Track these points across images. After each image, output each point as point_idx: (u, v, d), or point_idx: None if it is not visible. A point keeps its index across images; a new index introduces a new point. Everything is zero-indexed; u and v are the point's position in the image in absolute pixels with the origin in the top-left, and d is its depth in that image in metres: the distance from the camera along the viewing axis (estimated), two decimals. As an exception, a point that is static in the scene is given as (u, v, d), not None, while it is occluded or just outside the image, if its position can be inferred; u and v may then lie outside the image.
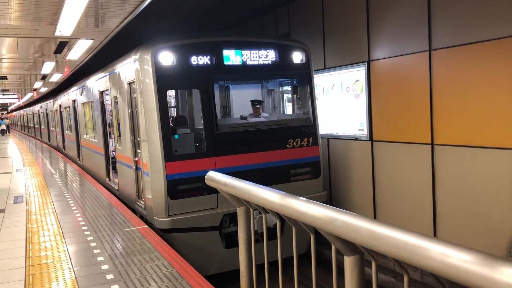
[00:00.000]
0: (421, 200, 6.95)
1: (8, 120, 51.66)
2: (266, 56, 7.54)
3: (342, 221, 2.06)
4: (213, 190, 6.20)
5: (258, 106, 8.01)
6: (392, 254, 1.71)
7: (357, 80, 8.06)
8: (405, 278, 1.84)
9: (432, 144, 6.63)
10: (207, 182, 3.55)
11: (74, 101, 14.96)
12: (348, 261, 2.10)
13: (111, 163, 10.48)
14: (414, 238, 1.61)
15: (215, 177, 3.44)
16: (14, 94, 29.15)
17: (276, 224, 2.88)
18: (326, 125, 8.90)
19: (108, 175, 10.59)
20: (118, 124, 9.03)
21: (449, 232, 6.54)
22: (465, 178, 6.21)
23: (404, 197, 7.30)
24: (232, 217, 7.07)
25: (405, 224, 7.16)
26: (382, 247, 1.74)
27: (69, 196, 8.98)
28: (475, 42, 5.88)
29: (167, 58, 6.83)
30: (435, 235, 6.81)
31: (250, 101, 8.13)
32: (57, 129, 21.11)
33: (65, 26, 7.35)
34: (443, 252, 1.46)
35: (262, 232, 3.12)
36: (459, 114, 6.18)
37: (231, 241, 7.09)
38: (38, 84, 19.55)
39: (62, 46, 9.55)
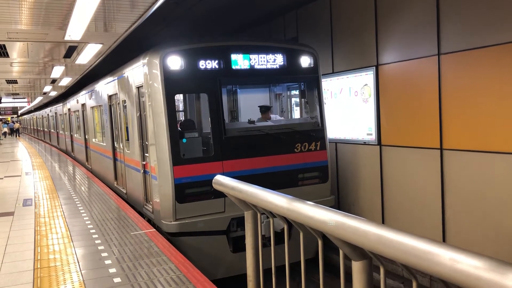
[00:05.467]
0: (430, 205, 6.89)
1: (18, 123, 52.18)
2: (274, 60, 7.54)
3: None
4: (220, 194, 6.20)
5: (265, 111, 8.02)
6: (401, 260, 1.69)
7: (366, 85, 8.03)
8: (414, 284, 1.82)
9: (441, 149, 6.58)
10: (214, 186, 3.54)
11: (83, 105, 15.07)
12: (356, 266, 2.09)
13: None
14: (423, 243, 1.59)
15: (222, 181, 3.43)
16: (24, 98, 29.43)
17: (283, 228, 2.87)
18: (334, 130, 8.88)
19: (116, 178, 10.63)
20: (127, 128, 9.07)
21: (458, 238, 6.48)
22: (475, 183, 6.15)
23: (412, 202, 7.24)
24: (239, 221, 7.06)
25: (414, 229, 7.10)
26: (390, 252, 1.72)
27: (77, 199, 9.02)
28: (485, 46, 5.84)
29: (176, 62, 6.85)
30: (444, 240, 6.74)
31: (258, 106, 8.14)
32: (66, 132, 21.28)
33: (75, 31, 7.42)
34: (453, 258, 1.44)
35: (270, 237, 3.11)
36: (468, 118, 6.13)
37: (238, 246, 7.07)
38: (47, 88, 19.73)
39: (71, 50, 9.64)
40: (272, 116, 8.21)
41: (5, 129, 44.00)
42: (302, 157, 7.63)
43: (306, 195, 7.32)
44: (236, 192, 3.17)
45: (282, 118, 8.64)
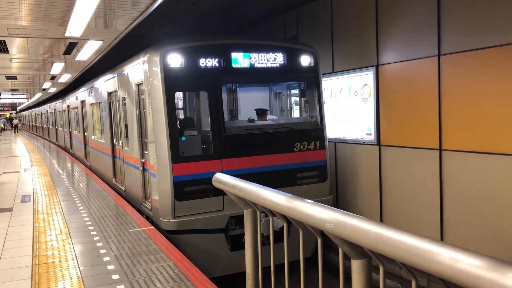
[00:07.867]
0: (428, 205, 6.90)
1: (17, 119, 52.16)
2: (274, 59, 7.54)
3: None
4: (219, 192, 6.21)
5: (262, 114, 7.98)
6: (400, 258, 1.69)
7: (365, 84, 8.04)
8: (413, 284, 1.83)
9: (440, 150, 6.59)
10: (214, 183, 3.54)
11: (82, 101, 15.05)
12: (356, 265, 2.09)
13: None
14: (423, 242, 1.59)
15: (222, 178, 3.43)
16: (23, 94, 29.38)
17: (282, 227, 2.87)
18: (334, 129, 8.88)
19: (115, 175, 10.63)
20: (126, 125, 9.07)
21: (456, 238, 6.49)
22: (474, 184, 6.15)
23: (411, 202, 7.25)
24: (238, 220, 7.06)
25: (412, 229, 7.06)
26: (390, 251, 1.72)
27: (76, 196, 9.02)
28: (485, 48, 5.84)
29: (176, 60, 6.85)
30: (442, 240, 6.75)
31: (255, 109, 8.11)
32: (65, 129, 21.25)
33: (75, 27, 7.40)
34: (452, 257, 1.44)
35: (268, 235, 3.11)
36: (468, 119, 6.14)
37: (237, 244, 7.08)
38: (47, 85, 19.69)
39: (71, 47, 9.62)
40: (269, 117, 8.17)
41: (1, 125, 44.49)
42: (301, 156, 7.63)
43: (304, 194, 7.28)
44: (236, 190, 3.17)
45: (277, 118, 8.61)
